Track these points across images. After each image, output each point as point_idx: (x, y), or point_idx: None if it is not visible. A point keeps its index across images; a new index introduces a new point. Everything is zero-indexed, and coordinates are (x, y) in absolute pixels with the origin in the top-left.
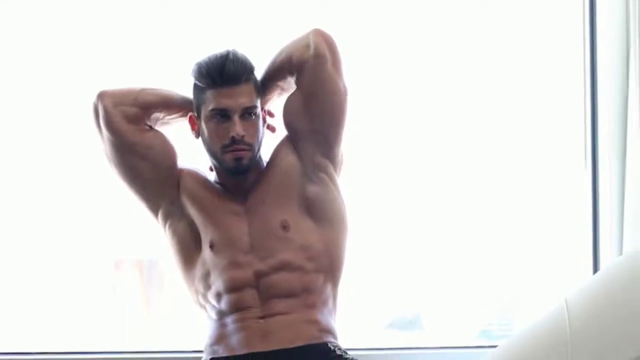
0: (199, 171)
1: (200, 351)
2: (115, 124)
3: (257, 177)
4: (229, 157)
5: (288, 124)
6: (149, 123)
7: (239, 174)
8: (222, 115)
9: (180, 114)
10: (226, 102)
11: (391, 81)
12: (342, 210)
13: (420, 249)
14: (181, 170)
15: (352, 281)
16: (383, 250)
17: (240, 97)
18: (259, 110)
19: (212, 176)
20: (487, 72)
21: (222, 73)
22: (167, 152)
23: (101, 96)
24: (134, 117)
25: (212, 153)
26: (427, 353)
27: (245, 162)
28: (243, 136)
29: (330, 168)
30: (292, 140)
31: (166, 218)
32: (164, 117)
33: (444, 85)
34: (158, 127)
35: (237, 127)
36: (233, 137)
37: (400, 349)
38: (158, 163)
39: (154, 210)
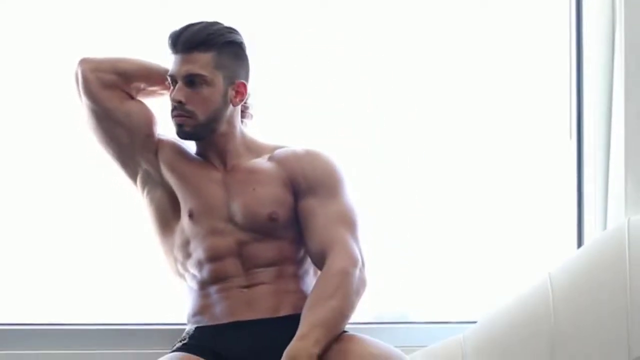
0: (177, 141)
1: (183, 324)
2: (92, 89)
3: (236, 147)
4: (174, 122)
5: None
6: (128, 92)
7: (186, 139)
8: (173, 80)
9: (161, 85)
10: (174, 68)
11: (369, 64)
12: None
13: (399, 233)
14: (160, 140)
15: None
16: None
17: (188, 64)
18: (213, 80)
19: (192, 147)
20: (472, 47)
21: (177, 39)
22: (146, 120)
23: (81, 62)
24: (111, 84)
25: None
26: (408, 327)
27: (187, 129)
28: (180, 101)
29: None
30: (292, 192)
31: (144, 185)
32: (144, 87)
33: (427, 62)
34: (141, 98)
35: (175, 93)
36: (172, 102)
37: (383, 323)
38: (135, 130)
39: (132, 176)
